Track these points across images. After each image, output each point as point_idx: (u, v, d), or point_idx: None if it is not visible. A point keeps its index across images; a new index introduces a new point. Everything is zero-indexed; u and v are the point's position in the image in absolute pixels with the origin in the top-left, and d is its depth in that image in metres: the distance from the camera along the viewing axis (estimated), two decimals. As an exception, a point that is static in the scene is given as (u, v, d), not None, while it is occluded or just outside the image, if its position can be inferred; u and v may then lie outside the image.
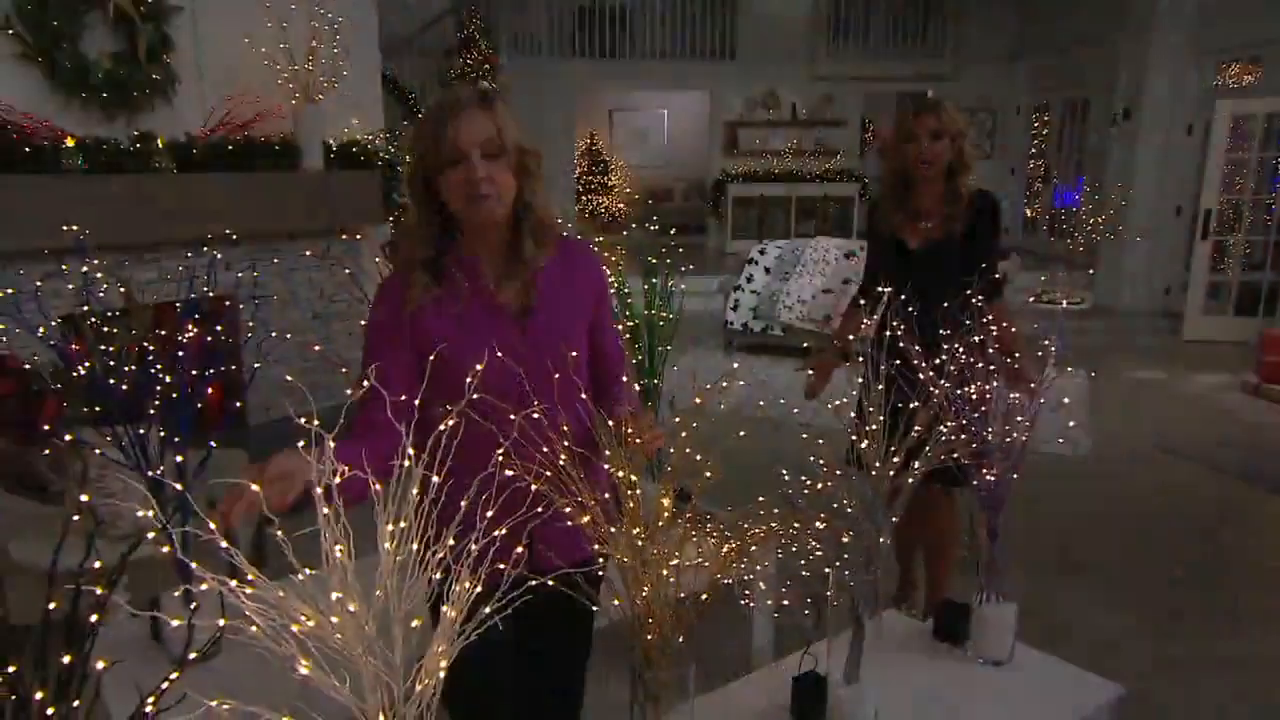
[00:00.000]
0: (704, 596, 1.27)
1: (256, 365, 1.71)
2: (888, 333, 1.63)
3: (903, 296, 1.82)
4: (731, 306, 6.83)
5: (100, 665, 0.78)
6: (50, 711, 0.81)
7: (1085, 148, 10.22)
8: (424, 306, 1.46)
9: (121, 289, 1.69)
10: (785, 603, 1.65)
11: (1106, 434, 5.02)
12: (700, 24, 11.83)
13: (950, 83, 11.33)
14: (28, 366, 1.88)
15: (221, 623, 0.77)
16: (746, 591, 1.47)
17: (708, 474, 1.33)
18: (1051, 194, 11.12)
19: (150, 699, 0.76)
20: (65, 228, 1.63)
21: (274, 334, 3.02)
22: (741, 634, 2.37)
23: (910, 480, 1.48)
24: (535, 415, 1.20)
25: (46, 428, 1.87)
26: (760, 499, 1.32)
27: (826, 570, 1.49)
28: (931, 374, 1.59)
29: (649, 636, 1.24)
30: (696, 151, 13.74)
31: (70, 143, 2.93)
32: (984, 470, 1.71)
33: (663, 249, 2.06)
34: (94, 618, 0.83)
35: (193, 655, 0.76)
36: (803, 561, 1.47)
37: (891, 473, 1.47)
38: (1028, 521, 3.69)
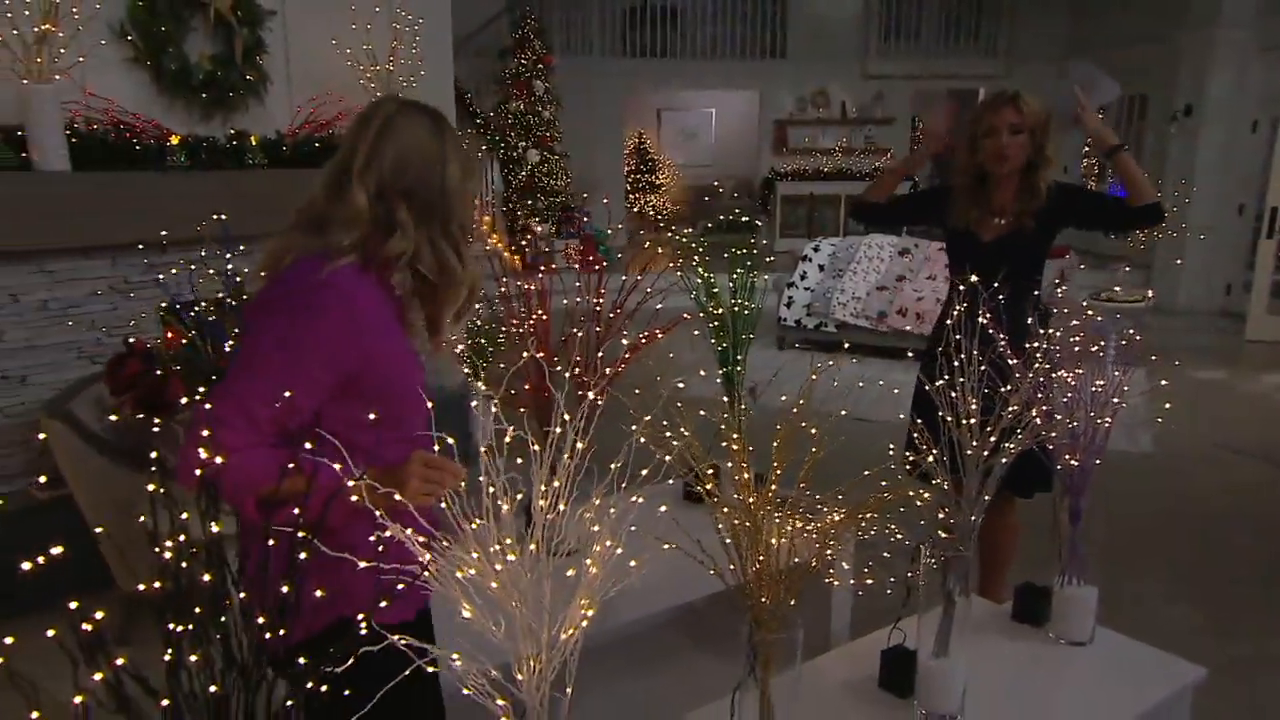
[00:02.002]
0: (813, 562, 1.35)
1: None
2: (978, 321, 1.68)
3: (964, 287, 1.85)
4: (785, 303, 6.88)
5: (318, 594, 0.89)
6: (268, 636, 0.92)
7: (1143, 145, 10.07)
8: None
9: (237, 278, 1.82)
10: (869, 581, 1.71)
11: (1169, 432, 4.99)
12: (750, 23, 11.88)
13: (1002, 81, 11.22)
14: (183, 341, 2.01)
15: (426, 558, 0.87)
16: (831, 570, 1.54)
17: (814, 449, 1.42)
18: (1107, 192, 10.97)
19: (364, 620, 0.86)
20: (214, 216, 1.77)
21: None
22: (819, 616, 2.44)
23: (1004, 460, 1.54)
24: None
25: (177, 404, 2.02)
26: (866, 472, 1.39)
27: (920, 546, 1.56)
28: (1015, 362, 1.65)
29: (763, 600, 1.33)
30: (743, 151, 13.78)
31: (175, 140, 3.10)
32: (1068, 455, 1.77)
33: (750, 240, 2.14)
34: (302, 555, 0.94)
35: (400, 587, 0.86)
36: (893, 540, 1.53)
37: (985, 453, 1.54)
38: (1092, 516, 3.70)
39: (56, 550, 0.81)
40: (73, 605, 0.75)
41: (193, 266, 1.88)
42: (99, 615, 0.77)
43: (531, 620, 1.09)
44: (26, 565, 0.74)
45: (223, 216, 1.76)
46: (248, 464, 1.16)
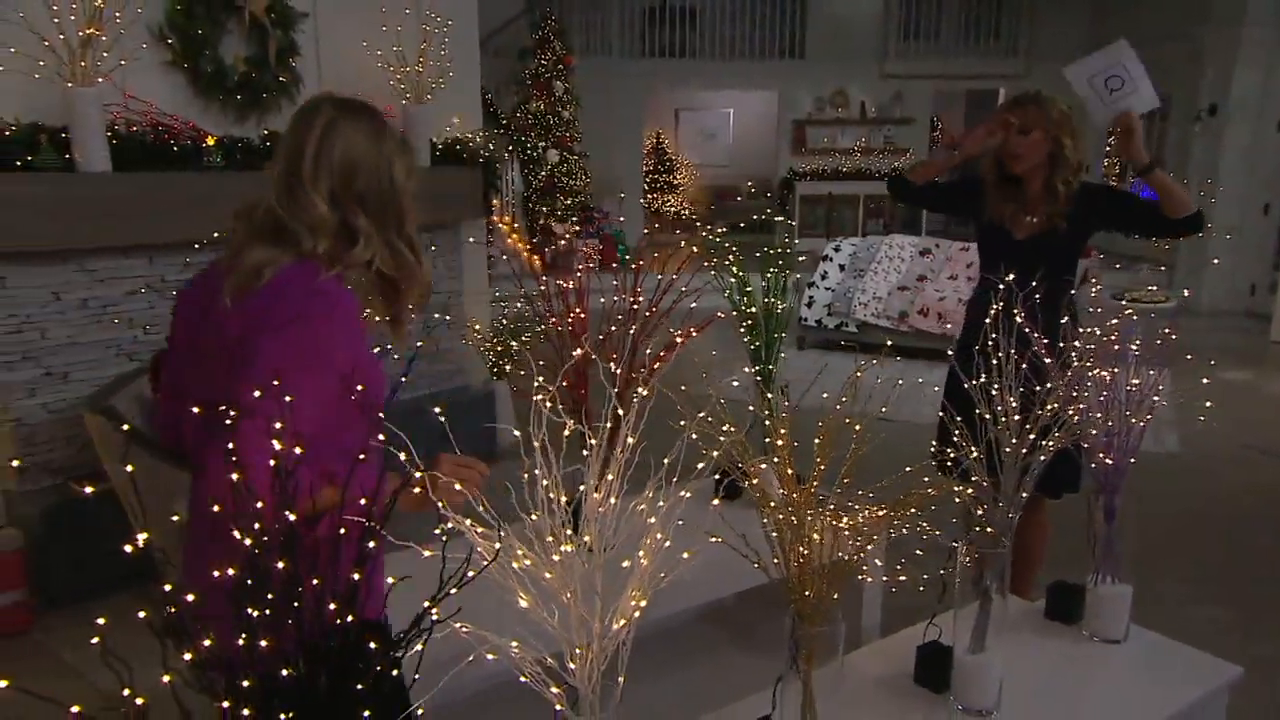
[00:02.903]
0: (856, 557, 1.37)
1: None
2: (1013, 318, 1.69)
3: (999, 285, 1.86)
4: (806, 303, 6.88)
5: (390, 581, 0.92)
6: (338, 622, 0.96)
7: (1165, 145, 10.00)
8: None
9: None
10: (903, 578, 1.73)
11: (1194, 433, 4.97)
12: (769, 24, 11.89)
13: (1022, 80, 11.18)
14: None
15: (498, 545, 0.90)
16: (864, 568, 1.55)
17: (855, 446, 1.43)
18: (1130, 191, 10.90)
19: (434, 607, 0.89)
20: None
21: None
22: (850, 613, 2.46)
23: (1042, 458, 1.56)
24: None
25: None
26: (908, 468, 1.41)
27: (956, 542, 1.57)
28: (1050, 360, 1.66)
29: (806, 593, 1.35)
30: (761, 151, 13.79)
31: (210, 141, 3.16)
32: (1103, 454, 1.78)
33: (785, 239, 2.16)
34: (371, 544, 0.97)
35: (470, 573, 0.89)
36: (924, 537, 1.54)
37: (1024, 450, 1.55)
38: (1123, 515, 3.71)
39: (142, 537, 0.85)
40: (167, 588, 0.78)
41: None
42: (190, 598, 0.80)
43: (583, 611, 1.12)
44: (129, 548, 0.78)
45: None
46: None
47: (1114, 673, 1.76)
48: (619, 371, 1.38)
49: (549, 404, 1.08)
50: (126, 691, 0.80)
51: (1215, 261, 8.06)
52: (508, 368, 4.27)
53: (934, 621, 1.74)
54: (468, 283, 4.46)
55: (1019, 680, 1.62)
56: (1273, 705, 2.62)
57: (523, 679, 1.09)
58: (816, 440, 1.42)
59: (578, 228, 9.88)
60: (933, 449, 1.55)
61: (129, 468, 1.11)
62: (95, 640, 0.77)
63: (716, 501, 1.11)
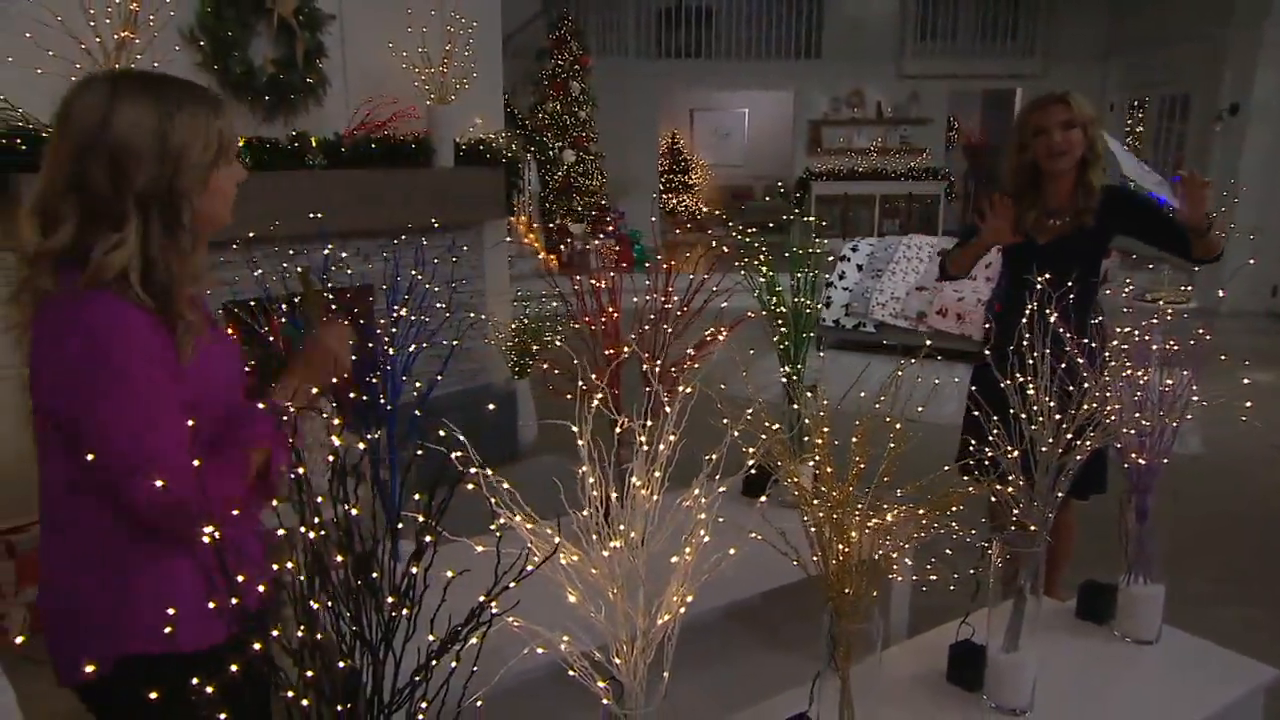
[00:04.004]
0: (894, 554, 1.38)
1: (439, 347, 1.88)
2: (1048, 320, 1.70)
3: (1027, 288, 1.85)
4: (824, 304, 6.88)
5: (449, 574, 0.94)
6: (393, 614, 0.97)
7: (1185, 145, 9.93)
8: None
9: (314, 274, 1.87)
10: (933, 577, 1.73)
11: (1217, 435, 4.93)
12: (785, 24, 11.89)
13: (1039, 81, 11.13)
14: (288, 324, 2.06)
15: (557, 539, 0.91)
16: (895, 567, 1.56)
17: (891, 444, 1.44)
18: (1147, 192, 10.84)
19: (492, 602, 0.91)
20: (311, 215, 1.83)
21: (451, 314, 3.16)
22: (879, 611, 2.46)
23: (1079, 458, 1.56)
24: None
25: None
26: (946, 468, 1.42)
27: (989, 542, 1.58)
28: (1082, 361, 1.66)
29: (846, 590, 1.36)
30: (777, 151, 13.78)
31: (240, 142, 3.19)
32: (1135, 454, 1.78)
33: (816, 237, 2.17)
34: (429, 538, 0.99)
35: (530, 567, 0.90)
36: (954, 536, 1.54)
37: (1060, 450, 1.56)
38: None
39: (208, 530, 0.87)
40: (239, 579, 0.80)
41: (297, 263, 1.95)
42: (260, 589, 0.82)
43: (628, 607, 1.13)
44: (205, 539, 0.79)
45: (318, 215, 1.83)
46: (217, 469, 1.17)
47: (1147, 673, 1.76)
48: (657, 370, 1.39)
49: (598, 401, 1.10)
50: (195, 680, 0.83)
51: (1252, 262, 7.95)
52: (544, 365, 4.29)
53: (967, 620, 1.74)
54: (489, 282, 4.49)
55: (1051, 680, 1.62)
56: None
57: (571, 672, 1.10)
58: (854, 440, 1.43)
59: (607, 229, 9.89)
60: (971, 447, 1.56)
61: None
62: (168, 629, 0.79)
63: (764, 499, 1.12)
